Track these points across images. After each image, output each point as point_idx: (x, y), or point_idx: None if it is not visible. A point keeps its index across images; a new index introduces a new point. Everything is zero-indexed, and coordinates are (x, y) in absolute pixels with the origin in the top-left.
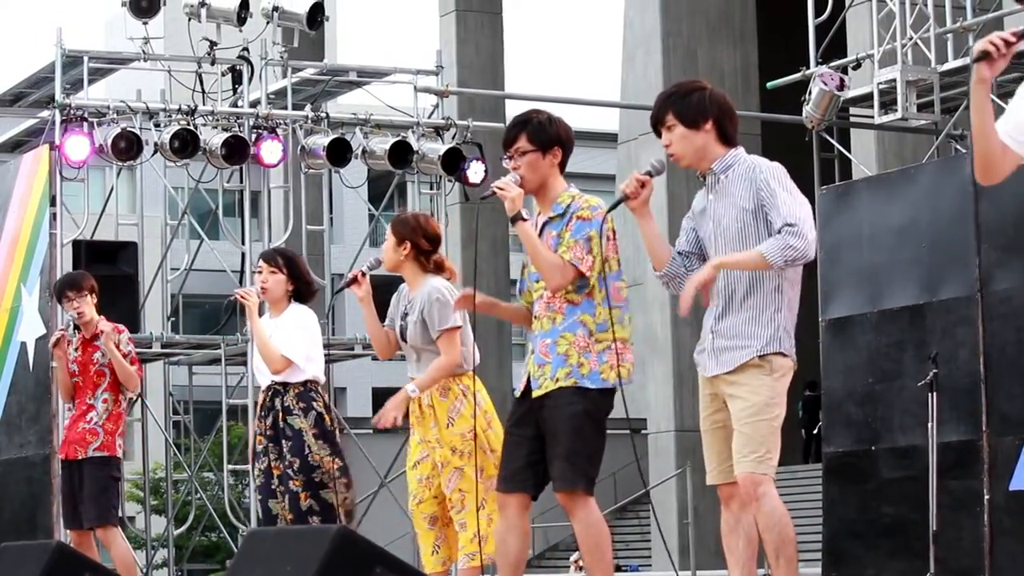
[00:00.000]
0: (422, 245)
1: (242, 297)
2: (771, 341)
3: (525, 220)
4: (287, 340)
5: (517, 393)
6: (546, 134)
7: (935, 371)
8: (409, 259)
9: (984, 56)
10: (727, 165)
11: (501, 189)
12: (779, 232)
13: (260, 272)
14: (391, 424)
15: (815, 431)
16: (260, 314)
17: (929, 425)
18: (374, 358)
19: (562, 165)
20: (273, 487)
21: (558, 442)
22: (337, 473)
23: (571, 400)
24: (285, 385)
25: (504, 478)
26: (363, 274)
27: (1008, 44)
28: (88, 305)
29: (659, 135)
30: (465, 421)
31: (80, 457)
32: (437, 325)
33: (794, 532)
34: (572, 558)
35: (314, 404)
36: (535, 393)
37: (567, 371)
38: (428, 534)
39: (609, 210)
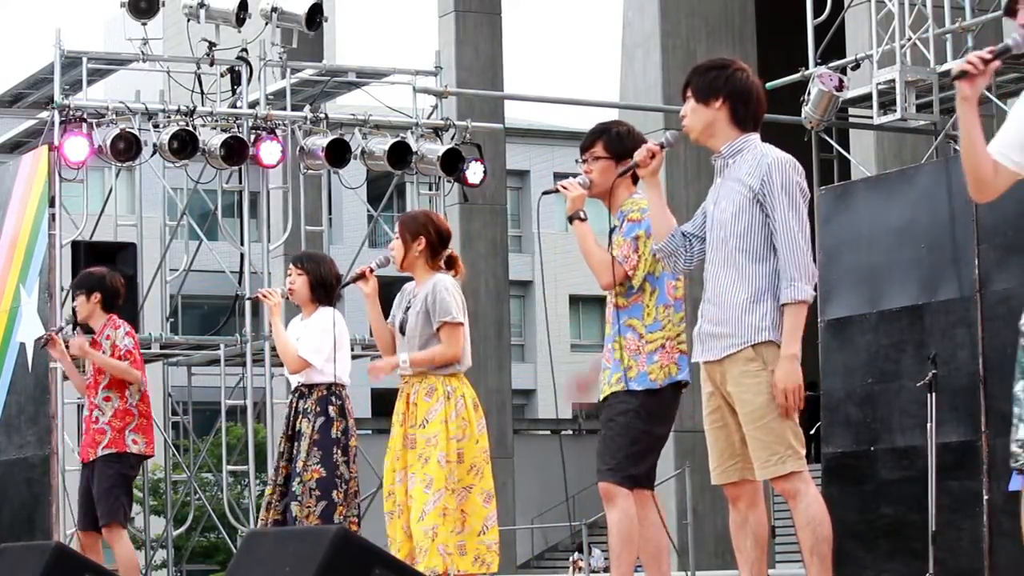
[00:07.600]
0: (434, 241)
1: (264, 296)
2: (761, 330)
3: (582, 220)
4: (309, 342)
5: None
6: (622, 145)
7: (934, 372)
8: (422, 256)
9: (962, 75)
10: (736, 150)
11: (565, 188)
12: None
13: (290, 274)
14: (378, 377)
15: (812, 431)
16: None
17: (928, 426)
18: (374, 358)
19: (635, 178)
20: (292, 489)
21: (603, 439)
22: (313, 484)
23: (621, 401)
24: (310, 387)
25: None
26: (371, 270)
27: (986, 62)
28: (81, 306)
29: None
30: (436, 424)
31: (92, 458)
32: (439, 316)
33: (830, 530)
34: (572, 558)
35: (329, 408)
36: (600, 397)
37: (618, 375)
38: (406, 544)
39: (620, 175)
